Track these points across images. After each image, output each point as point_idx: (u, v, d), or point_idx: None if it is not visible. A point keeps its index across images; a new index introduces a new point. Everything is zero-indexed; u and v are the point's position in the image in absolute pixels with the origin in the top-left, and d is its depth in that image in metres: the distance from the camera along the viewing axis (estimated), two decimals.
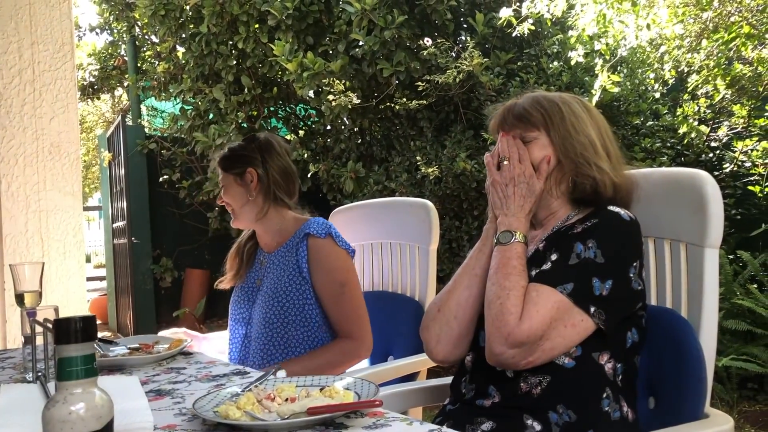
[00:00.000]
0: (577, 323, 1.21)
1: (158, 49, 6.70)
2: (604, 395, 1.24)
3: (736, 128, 4.52)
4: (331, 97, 4.65)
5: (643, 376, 1.34)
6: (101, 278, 8.67)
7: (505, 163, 1.36)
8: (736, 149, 4.37)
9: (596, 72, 4.26)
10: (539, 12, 4.20)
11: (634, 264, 1.27)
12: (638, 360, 1.33)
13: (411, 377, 1.94)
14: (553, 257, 1.27)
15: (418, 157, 4.60)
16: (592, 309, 1.21)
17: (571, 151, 1.33)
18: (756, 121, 4.34)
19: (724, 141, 4.62)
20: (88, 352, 0.70)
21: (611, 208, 1.31)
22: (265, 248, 2.09)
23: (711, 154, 4.68)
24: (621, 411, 1.25)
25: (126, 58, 7.79)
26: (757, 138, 4.31)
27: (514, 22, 4.29)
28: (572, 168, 1.34)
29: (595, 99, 4.14)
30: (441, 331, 1.41)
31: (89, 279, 9.40)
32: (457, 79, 4.42)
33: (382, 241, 2.28)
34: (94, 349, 0.71)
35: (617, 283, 1.23)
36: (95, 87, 8.60)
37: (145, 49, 7.51)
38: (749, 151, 4.30)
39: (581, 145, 1.33)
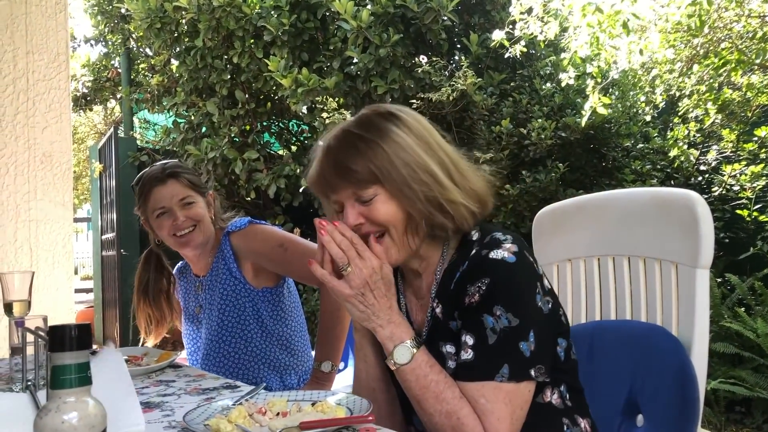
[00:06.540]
0: (528, 398, 1.14)
1: (152, 62, 6.70)
2: (565, 427, 1.21)
3: (725, 152, 4.57)
4: (325, 114, 4.67)
5: (625, 391, 1.33)
6: (87, 290, 8.58)
7: (349, 270, 1.14)
8: (724, 173, 4.41)
9: (588, 93, 4.30)
10: (532, 33, 4.24)
11: (537, 292, 1.15)
12: (573, 353, 1.25)
13: None
14: (469, 341, 1.13)
15: None
16: (533, 373, 1.12)
17: (416, 199, 1.15)
18: (744, 145, 4.39)
19: (713, 165, 4.67)
20: (82, 360, 0.69)
21: (492, 255, 1.13)
22: (199, 273, 2.08)
23: (700, 178, 4.72)
24: (581, 429, 1.23)
25: (120, 70, 7.79)
26: (745, 162, 4.36)
27: (507, 44, 4.33)
28: (423, 215, 1.16)
29: (585, 120, 4.17)
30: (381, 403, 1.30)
31: (75, 291, 9.32)
32: (451, 98, 4.46)
33: None
34: (88, 357, 0.70)
35: (537, 329, 1.13)
36: (88, 98, 8.59)
37: (139, 61, 7.52)
38: (738, 175, 4.34)
39: (422, 184, 1.15)
